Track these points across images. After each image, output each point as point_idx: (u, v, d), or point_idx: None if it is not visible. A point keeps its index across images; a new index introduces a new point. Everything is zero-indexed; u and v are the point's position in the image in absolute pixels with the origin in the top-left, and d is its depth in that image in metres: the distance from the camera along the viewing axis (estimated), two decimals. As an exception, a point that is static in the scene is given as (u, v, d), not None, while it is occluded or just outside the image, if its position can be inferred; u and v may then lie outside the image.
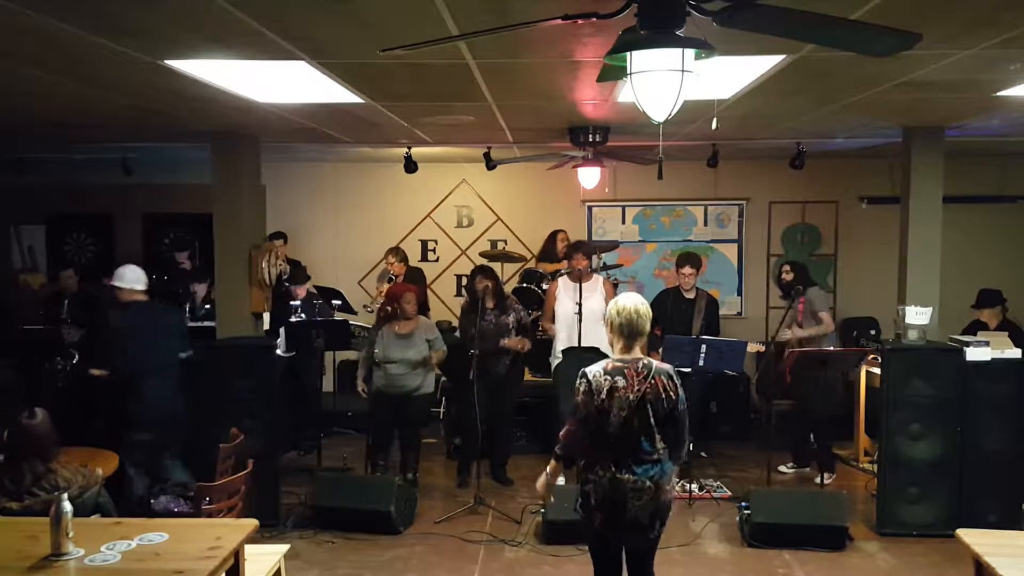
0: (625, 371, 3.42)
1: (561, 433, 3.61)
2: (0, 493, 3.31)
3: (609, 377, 3.42)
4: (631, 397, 3.38)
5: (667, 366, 3.51)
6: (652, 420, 3.39)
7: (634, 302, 3.53)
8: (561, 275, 6.71)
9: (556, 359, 6.45)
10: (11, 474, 3.34)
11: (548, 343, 6.70)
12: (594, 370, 3.46)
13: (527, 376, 7.62)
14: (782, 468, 6.68)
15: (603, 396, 3.39)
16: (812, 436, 6.59)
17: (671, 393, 3.42)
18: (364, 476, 6.18)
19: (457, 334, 6.82)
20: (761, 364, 6.97)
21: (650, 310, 3.57)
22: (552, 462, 3.66)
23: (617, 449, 3.40)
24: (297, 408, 7.24)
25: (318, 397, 7.63)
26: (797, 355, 6.00)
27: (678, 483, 5.84)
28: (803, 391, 6.37)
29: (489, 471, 6.42)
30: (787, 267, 6.73)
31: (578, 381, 3.47)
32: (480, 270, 6.44)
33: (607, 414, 3.39)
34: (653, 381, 3.41)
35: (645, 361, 3.47)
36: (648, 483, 3.39)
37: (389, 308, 6.16)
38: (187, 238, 8.99)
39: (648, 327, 3.52)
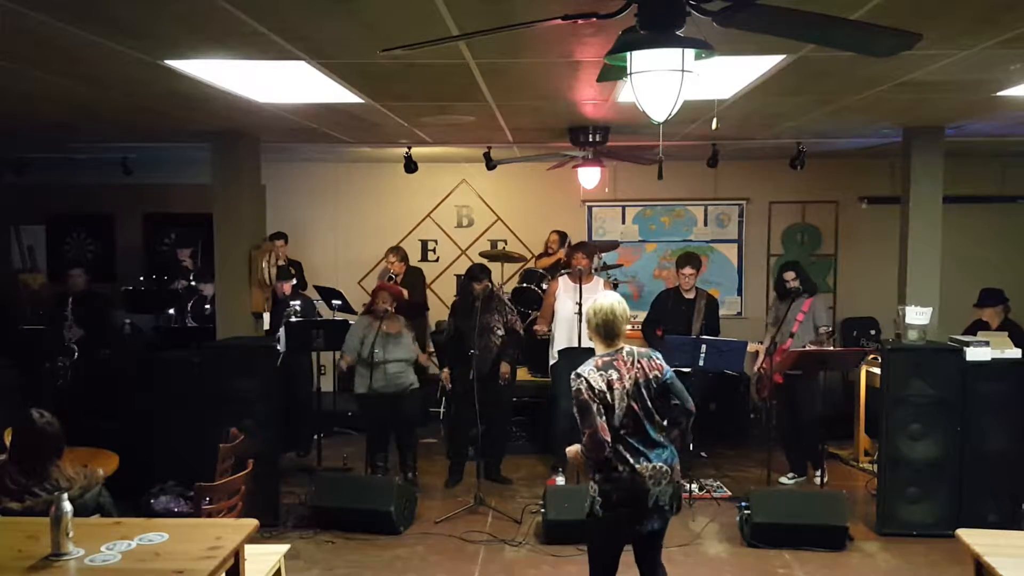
0: (615, 363, 3.49)
1: (584, 442, 3.42)
2: (1, 492, 3.31)
3: (603, 372, 3.46)
4: (627, 386, 3.45)
5: (645, 348, 3.62)
6: (649, 403, 3.47)
7: (611, 301, 3.58)
8: (562, 275, 6.70)
9: (554, 359, 6.44)
10: (17, 473, 3.34)
11: (546, 343, 6.66)
12: (586, 369, 3.49)
13: (527, 376, 7.63)
14: (783, 480, 6.45)
15: (604, 391, 3.42)
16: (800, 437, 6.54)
17: (656, 371, 3.51)
18: (364, 476, 6.16)
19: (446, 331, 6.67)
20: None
21: (627, 310, 3.60)
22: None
23: (628, 440, 3.43)
24: (289, 409, 7.22)
25: (313, 398, 7.61)
26: (797, 355, 5.96)
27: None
28: (787, 393, 6.34)
29: (483, 470, 6.36)
30: (791, 273, 6.37)
31: (574, 382, 3.46)
32: (480, 270, 6.40)
33: (612, 409, 3.42)
34: (639, 364, 3.50)
35: (628, 348, 3.56)
36: (665, 467, 3.46)
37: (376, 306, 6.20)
38: (191, 235, 8.98)
39: (624, 327, 3.56)
